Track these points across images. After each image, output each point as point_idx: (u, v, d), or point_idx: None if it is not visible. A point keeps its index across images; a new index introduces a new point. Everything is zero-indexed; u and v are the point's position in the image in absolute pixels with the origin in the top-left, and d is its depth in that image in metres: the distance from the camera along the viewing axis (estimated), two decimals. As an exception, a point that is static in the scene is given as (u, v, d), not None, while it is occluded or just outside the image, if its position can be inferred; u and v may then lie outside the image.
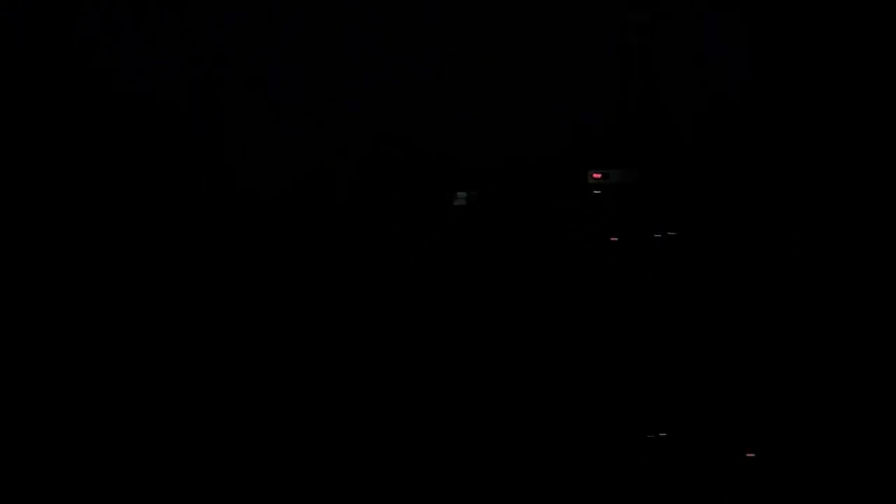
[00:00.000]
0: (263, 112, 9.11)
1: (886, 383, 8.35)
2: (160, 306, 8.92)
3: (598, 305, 8.79)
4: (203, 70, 9.08)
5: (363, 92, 9.10)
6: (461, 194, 8.95)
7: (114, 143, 9.03)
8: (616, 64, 9.04)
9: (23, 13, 8.98)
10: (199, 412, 8.76)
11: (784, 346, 8.52)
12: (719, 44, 8.94)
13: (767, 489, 8.27)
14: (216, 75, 9.09)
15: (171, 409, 8.77)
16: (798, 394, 8.43)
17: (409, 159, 9.06)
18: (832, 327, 8.50)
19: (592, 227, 8.87)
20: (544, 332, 8.83)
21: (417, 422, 8.76)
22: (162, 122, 9.05)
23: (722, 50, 8.93)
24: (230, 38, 9.09)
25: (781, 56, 8.89)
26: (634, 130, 8.98)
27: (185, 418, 8.75)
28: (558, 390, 8.75)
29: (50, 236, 8.92)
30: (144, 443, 8.69)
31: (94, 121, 9.01)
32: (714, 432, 8.43)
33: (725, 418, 8.44)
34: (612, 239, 8.81)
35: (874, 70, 8.77)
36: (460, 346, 8.86)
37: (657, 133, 8.97)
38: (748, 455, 8.29)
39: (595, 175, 8.83)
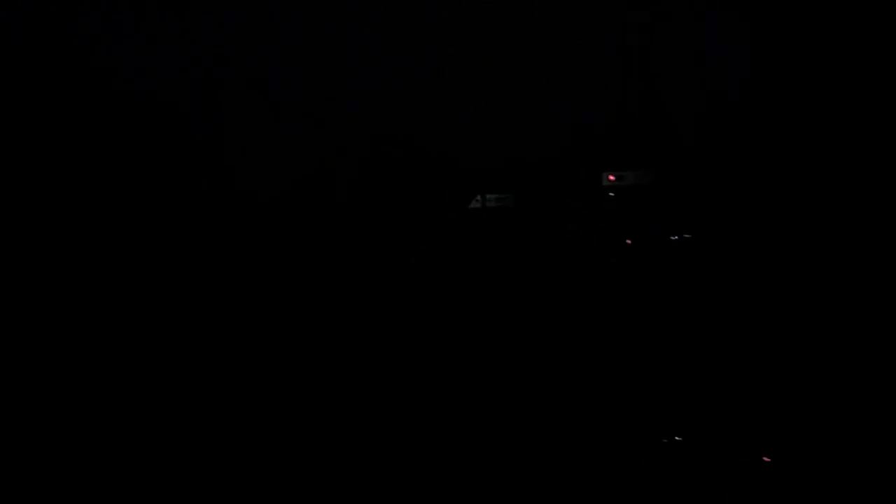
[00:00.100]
0: (263, 112, 9.11)
1: None
2: (160, 305, 8.92)
3: (610, 307, 8.78)
4: (203, 70, 9.08)
5: (363, 92, 9.10)
6: (491, 196, 8.96)
7: (114, 143, 9.03)
8: (616, 64, 9.04)
9: (23, 13, 8.98)
10: (200, 410, 8.76)
11: (801, 347, 8.49)
12: (719, 44, 8.93)
13: (782, 493, 8.25)
14: (216, 75, 9.09)
15: (172, 406, 8.76)
16: (816, 396, 8.40)
17: (409, 159, 9.06)
18: (847, 328, 8.47)
19: (607, 229, 8.86)
20: (549, 333, 8.83)
21: (418, 422, 8.75)
22: (162, 122, 9.05)
23: (722, 50, 8.93)
24: (230, 38, 9.09)
25: (781, 56, 8.88)
26: (635, 130, 8.98)
27: (186, 416, 8.74)
28: (567, 392, 8.74)
29: (50, 235, 8.92)
30: (144, 441, 8.69)
31: (95, 121, 9.01)
32: (730, 436, 8.41)
33: (741, 421, 8.41)
34: (627, 241, 8.80)
35: (874, 70, 8.77)
36: (463, 347, 8.86)
37: (657, 133, 8.96)
38: (765, 459, 8.28)
39: (610, 177, 8.82)
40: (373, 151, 9.11)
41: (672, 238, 8.78)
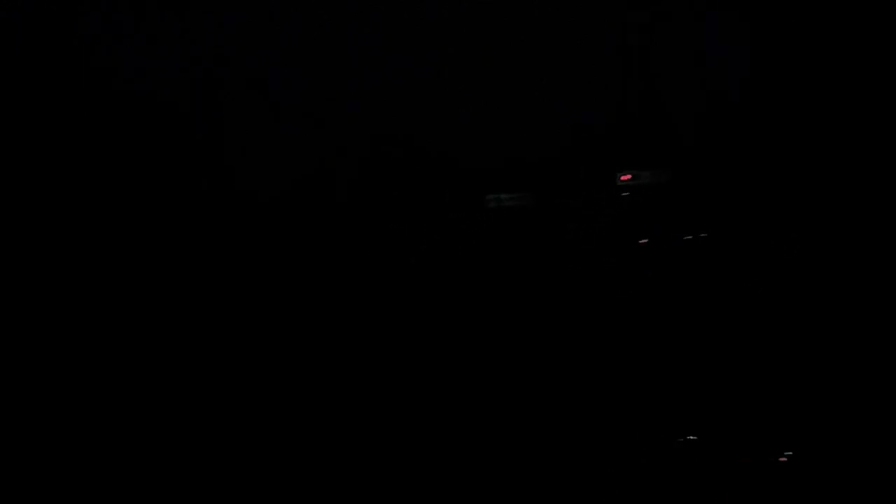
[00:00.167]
0: (263, 112, 9.11)
1: None
2: (160, 305, 8.91)
3: (616, 308, 8.77)
4: (203, 70, 9.07)
5: (363, 92, 9.10)
6: (491, 196, 8.95)
7: (114, 143, 9.02)
8: (616, 64, 9.03)
9: (23, 13, 8.98)
10: (200, 410, 8.76)
11: (815, 347, 8.48)
12: (719, 44, 8.93)
13: (797, 492, 8.24)
14: (216, 75, 9.08)
15: (171, 407, 8.76)
16: (832, 395, 8.39)
17: (409, 159, 9.05)
18: (862, 328, 8.46)
19: (607, 229, 8.85)
20: (550, 333, 8.82)
21: (420, 423, 8.75)
22: (162, 122, 9.04)
23: (722, 50, 8.92)
24: (230, 38, 9.08)
25: (781, 56, 8.88)
26: (635, 130, 8.98)
27: (185, 416, 8.74)
28: (572, 393, 8.74)
29: (50, 235, 8.92)
30: (144, 441, 8.68)
31: (95, 121, 9.01)
32: (745, 435, 8.40)
33: (756, 421, 8.40)
34: (641, 241, 8.80)
35: (874, 70, 8.76)
36: (464, 348, 8.85)
37: (657, 133, 8.96)
38: (781, 459, 8.27)
39: (623, 177, 8.82)
40: (373, 151, 9.11)
41: (676, 238, 8.78)
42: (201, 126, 9.08)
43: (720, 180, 8.83)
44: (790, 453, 8.26)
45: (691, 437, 8.44)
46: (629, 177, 8.83)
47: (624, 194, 8.86)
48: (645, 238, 8.82)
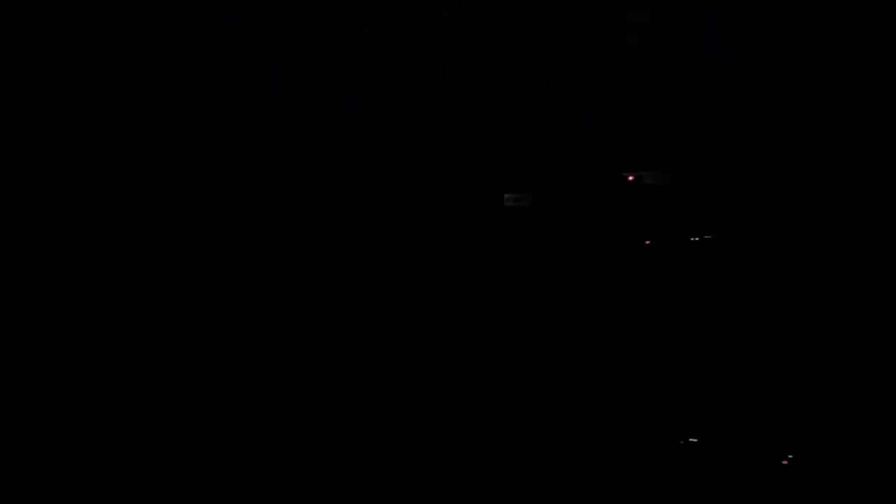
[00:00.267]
0: (263, 112, 9.11)
1: None
2: (160, 306, 8.92)
3: (613, 308, 8.78)
4: (203, 70, 9.08)
5: (363, 92, 9.10)
6: (507, 195, 8.96)
7: (114, 143, 9.03)
8: (616, 64, 9.04)
9: (23, 13, 8.98)
10: (199, 412, 8.77)
11: (819, 349, 8.49)
12: (719, 44, 8.93)
13: (799, 494, 8.24)
14: (216, 75, 9.09)
15: (171, 408, 8.77)
16: (835, 396, 8.39)
17: (409, 159, 9.06)
18: (866, 330, 8.47)
19: (607, 229, 8.85)
20: (551, 333, 8.83)
21: (421, 423, 8.76)
22: (162, 122, 9.05)
23: (722, 50, 8.92)
24: (230, 38, 9.09)
25: (781, 56, 8.88)
26: (635, 130, 8.98)
27: (185, 418, 8.75)
28: (574, 392, 8.75)
29: (50, 236, 8.92)
30: (144, 443, 8.69)
31: (94, 121, 9.01)
32: (749, 437, 8.41)
33: (760, 423, 8.41)
34: (646, 242, 8.80)
35: (874, 70, 8.76)
36: (465, 348, 8.86)
37: (657, 133, 8.96)
38: (783, 462, 8.27)
39: (629, 177, 8.82)
40: (373, 151, 9.11)
41: (677, 239, 8.78)
42: (201, 126, 9.08)
43: (720, 180, 8.83)
44: (792, 456, 8.26)
45: (693, 440, 8.45)
46: (633, 178, 8.84)
47: (624, 194, 8.86)
48: (645, 238, 8.82)
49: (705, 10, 8.96)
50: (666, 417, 8.58)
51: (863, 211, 8.64)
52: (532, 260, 8.94)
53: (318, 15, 9.11)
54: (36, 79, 8.99)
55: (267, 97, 9.09)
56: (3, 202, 8.94)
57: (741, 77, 8.91)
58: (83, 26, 9.01)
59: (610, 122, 9.00)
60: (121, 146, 9.02)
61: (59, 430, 8.71)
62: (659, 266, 8.80)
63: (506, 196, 8.95)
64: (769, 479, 8.26)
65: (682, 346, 8.66)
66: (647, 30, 9.01)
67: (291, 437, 8.75)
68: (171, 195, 9.02)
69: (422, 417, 8.76)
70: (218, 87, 9.10)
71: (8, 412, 8.71)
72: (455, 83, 9.11)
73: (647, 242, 8.79)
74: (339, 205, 9.08)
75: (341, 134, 9.12)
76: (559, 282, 8.89)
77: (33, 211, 8.94)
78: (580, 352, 8.78)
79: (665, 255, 8.80)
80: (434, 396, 8.80)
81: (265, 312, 8.94)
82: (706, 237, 8.74)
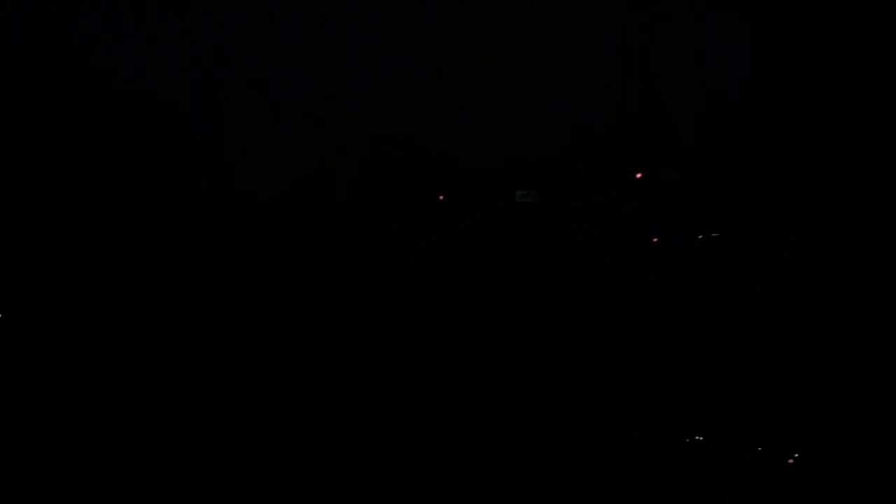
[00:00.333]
0: (263, 112, 9.11)
1: None
2: (160, 305, 8.91)
3: (609, 307, 8.77)
4: (203, 70, 9.08)
5: (363, 92, 9.10)
6: (519, 192, 8.95)
7: (114, 143, 9.03)
8: (616, 64, 9.04)
9: (23, 13, 8.98)
10: (199, 410, 8.76)
11: (822, 349, 8.47)
12: (719, 44, 8.93)
13: (802, 493, 8.23)
14: (216, 75, 9.09)
15: (171, 406, 8.76)
16: (838, 397, 8.37)
17: (409, 159, 9.06)
18: (870, 330, 8.45)
19: (607, 229, 8.84)
20: (551, 334, 8.82)
21: (422, 423, 8.75)
22: (162, 122, 9.05)
23: (722, 50, 8.93)
24: (230, 38, 9.09)
25: (781, 56, 8.88)
26: (635, 130, 8.98)
27: (185, 416, 8.74)
28: (576, 393, 8.74)
29: (50, 235, 8.92)
30: (144, 441, 8.68)
31: (95, 121, 9.01)
32: (753, 435, 8.39)
33: (764, 421, 8.39)
34: (654, 240, 8.79)
35: (874, 70, 8.77)
36: (466, 347, 8.85)
37: (658, 133, 8.96)
38: (790, 461, 8.26)
39: (638, 175, 8.81)
40: (373, 151, 9.11)
41: (677, 238, 8.78)
42: (201, 126, 9.08)
43: (720, 179, 8.83)
44: (797, 455, 8.25)
45: (699, 438, 8.44)
46: (640, 175, 8.85)
47: (624, 193, 8.86)
48: (645, 238, 8.82)
49: (705, 10, 8.96)
50: (672, 415, 8.57)
51: (863, 212, 8.63)
52: (533, 259, 8.93)
53: (318, 15, 9.11)
54: (36, 78, 8.98)
55: (267, 97, 9.09)
56: (3, 201, 8.93)
57: (741, 77, 8.91)
58: (83, 26, 9.01)
59: (610, 122, 9.00)
60: (121, 146, 9.02)
61: (59, 428, 8.70)
62: (662, 264, 8.79)
63: (518, 193, 8.95)
64: (775, 477, 8.25)
65: (688, 342, 8.66)
66: (647, 30, 9.01)
67: (292, 436, 8.73)
68: (171, 195, 9.02)
69: (423, 415, 8.75)
70: (218, 87, 9.10)
71: (8, 412, 8.70)
72: (454, 84, 9.11)
73: (655, 240, 8.78)
74: (339, 205, 9.08)
75: (341, 134, 9.12)
76: (561, 281, 8.88)
77: (34, 209, 8.94)
78: (584, 349, 8.77)
79: (668, 254, 8.80)
80: (434, 394, 8.79)
81: (265, 311, 8.93)
82: (712, 235, 8.73)
